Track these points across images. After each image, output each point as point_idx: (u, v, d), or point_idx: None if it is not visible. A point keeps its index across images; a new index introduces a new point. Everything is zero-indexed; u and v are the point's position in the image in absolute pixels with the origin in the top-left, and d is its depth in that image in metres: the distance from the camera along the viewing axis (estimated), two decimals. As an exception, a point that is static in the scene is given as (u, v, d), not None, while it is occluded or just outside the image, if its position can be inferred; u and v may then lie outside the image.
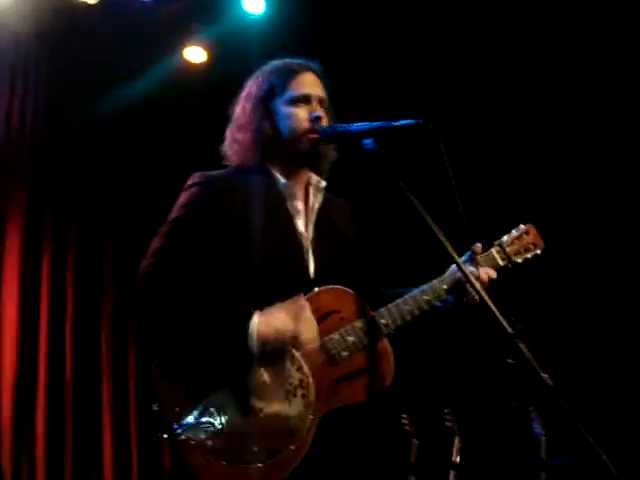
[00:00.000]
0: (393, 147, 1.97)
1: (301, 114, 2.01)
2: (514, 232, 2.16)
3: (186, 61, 4.99)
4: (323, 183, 2.09)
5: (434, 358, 4.56)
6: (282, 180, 2.02)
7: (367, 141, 1.91)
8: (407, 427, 3.99)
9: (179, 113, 5.09)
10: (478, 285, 1.72)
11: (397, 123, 1.90)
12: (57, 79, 4.87)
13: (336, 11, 4.63)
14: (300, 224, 2.01)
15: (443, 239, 1.73)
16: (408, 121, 1.90)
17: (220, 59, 4.94)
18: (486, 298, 1.66)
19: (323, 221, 2.06)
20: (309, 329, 1.82)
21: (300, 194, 2.06)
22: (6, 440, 4.13)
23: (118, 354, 4.72)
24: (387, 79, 4.74)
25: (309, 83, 2.06)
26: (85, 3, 4.46)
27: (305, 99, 2.04)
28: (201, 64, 5.00)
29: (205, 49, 4.92)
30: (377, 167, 1.87)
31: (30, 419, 4.28)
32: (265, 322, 1.76)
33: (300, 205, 2.04)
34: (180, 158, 5.11)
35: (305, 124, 2.01)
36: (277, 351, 1.78)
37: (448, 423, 3.86)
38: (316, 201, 2.07)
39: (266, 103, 2.04)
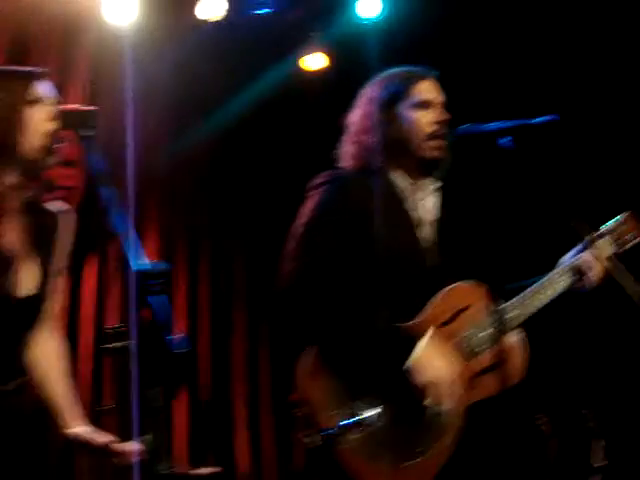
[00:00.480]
0: (529, 145, 1.97)
1: (425, 118, 2.07)
2: (616, 219, 2.14)
3: (306, 68, 5.07)
4: (439, 183, 2.12)
5: (570, 353, 4.43)
6: (401, 183, 2.07)
7: (504, 140, 1.94)
8: (544, 427, 3.90)
9: (300, 119, 5.21)
10: (620, 272, 1.72)
11: (534, 120, 1.93)
12: (182, 92, 5.10)
13: (452, 11, 4.59)
14: (423, 225, 2.05)
15: (582, 229, 1.74)
16: (544, 118, 1.92)
17: (339, 64, 5.01)
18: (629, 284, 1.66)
19: (444, 220, 2.09)
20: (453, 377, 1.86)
21: (418, 196, 2.08)
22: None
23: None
24: (506, 81, 4.64)
25: (430, 89, 2.13)
26: (207, 21, 4.64)
27: (428, 104, 2.08)
28: (321, 70, 5.07)
29: (324, 55, 4.99)
30: (514, 165, 1.89)
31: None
32: (427, 362, 1.80)
33: (421, 206, 2.07)
34: (301, 163, 5.24)
35: (429, 128, 2.05)
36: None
37: (588, 424, 3.75)
38: (433, 202, 2.10)
39: (390, 108, 2.09)
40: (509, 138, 1.92)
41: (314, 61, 5.06)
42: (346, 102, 2.26)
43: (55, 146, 1.67)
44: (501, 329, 1.90)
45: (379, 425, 1.78)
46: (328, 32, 4.96)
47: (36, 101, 1.69)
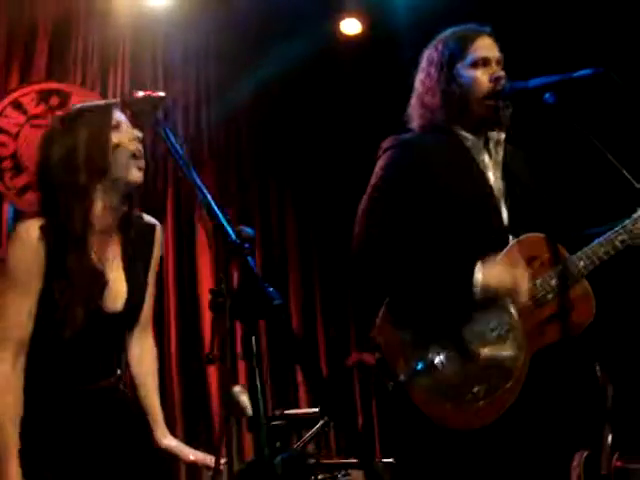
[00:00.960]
0: (574, 99, 2.01)
1: (482, 77, 2.11)
2: None
3: (342, 33, 5.11)
4: (502, 136, 2.19)
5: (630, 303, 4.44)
6: (468, 137, 2.13)
7: (547, 95, 1.98)
8: (601, 375, 3.95)
9: (337, 85, 5.26)
10: None
11: (577, 74, 1.95)
12: (223, 61, 5.21)
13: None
14: (490, 176, 2.12)
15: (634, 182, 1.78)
16: (588, 71, 1.94)
17: (374, 29, 5.03)
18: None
19: (508, 173, 2.16)
20: (524, 281, 1.95)
21: (484, 149, 2.15)
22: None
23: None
24: (549, 34, 4.58)
25: (486, 46, 2.17)
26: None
27: (485, 62, 2.14)
28: (356, 35, 5.10)
29: (360, 20, 5.02)
30: (558, 120, 1.93)
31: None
32: (488, 273, 1.91)
33: (487, 159, 2.14)
34: (341, 131, 5.33)
35: (486, 86, 2.10)
36: (496, 299, 1.93)
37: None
38: (498, 155, 2.16)
39: (448, 68, 2.15)
40: (551, 93, 1.96)
41: (349, 26, 5.09)
42: (385, 66, 2.32)
43: (140, 163, 1.90)
44: (568, 278, 2.01)
45: (449, 369, 1.91)
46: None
47: (117, 126, 1.88)
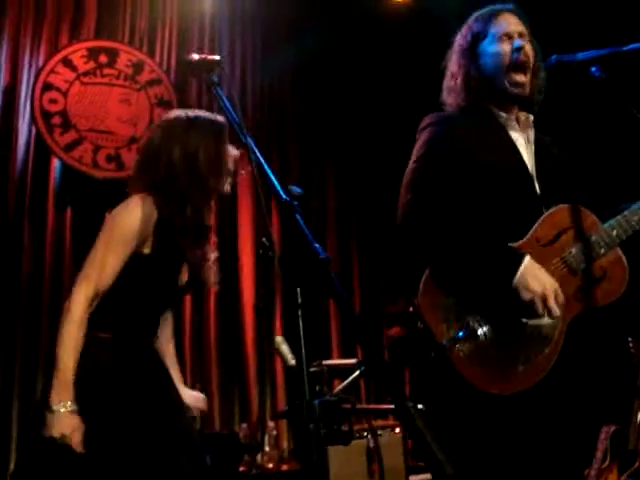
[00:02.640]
0: (621, 73, 2.01)
1: (505, 48, 2.13)
2: None
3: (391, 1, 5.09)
4: (531, 117, 2.20)
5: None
6: (501, 114, 2.16)
7: (594, 69, 1.98)
8: (634, 350, 3.97)
9: (383, 52, 5.25)
10: None
11: (626, 48, 1.95)
12: (270, 26, 5.24)
13: None
14: (523, 151, 2.15)
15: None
16: (637, 45, 1.93)
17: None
18: None
19: (539, 151, 2.19)
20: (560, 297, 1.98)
21: (517, 126, 2.18)
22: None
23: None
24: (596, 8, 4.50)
25: (508, 22, 2.19)
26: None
27: (507, 36, 2.15)
28: (404, 2, 5.07)
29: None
30: (605, 94, 1.94)
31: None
32: (532, 273, 1.94)
33: (518, 135, 2.17)
34: (384, 99, 5.33)
35: (508, 57, 2.12)
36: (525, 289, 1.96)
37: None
38: (530, 133, 2.19)
39: (472, 49, 2.19)
40: (598, 67, 1.96)
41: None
42: (433, 33, 2.34)
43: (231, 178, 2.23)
44: (606, 246, 2.05)
45: (488, 337, 1.96)
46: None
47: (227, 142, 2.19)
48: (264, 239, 1.18)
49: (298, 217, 1.15)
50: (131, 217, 2.04)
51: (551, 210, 2.07)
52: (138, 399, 2.04)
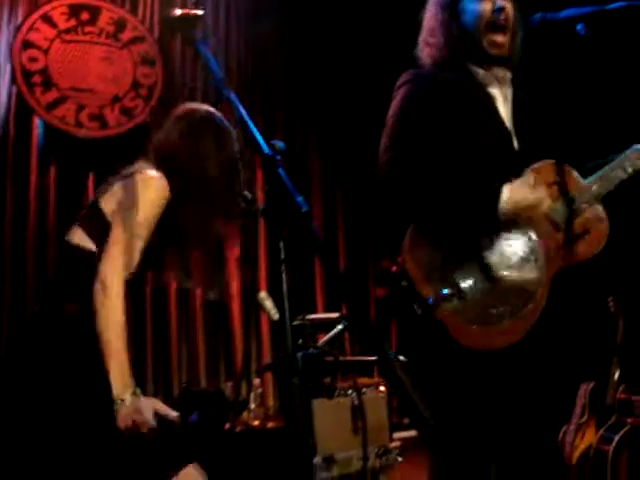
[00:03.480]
0: (605, 31, 2.01)
1: (486, 7, 2.12)
2: None
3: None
4: (509, 75, 2.21)
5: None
6: (478, 71, 2.16)
7: (579, 27, 1.99)
8: (613, 309, 4.04)
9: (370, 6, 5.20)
10: None
11: (610, 6, 1.95)
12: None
13: None
14: (501, 108, 2.17)
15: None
16: (622, 3, 1.93)
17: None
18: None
19: (516, 108, 2.21)
20: (548, 199, 2.07)
21: (494, 84, 2.19)
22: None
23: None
24: None
25: None
26: None
27: None
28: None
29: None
30: (590, 51, 1.95)
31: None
32: (513, 193, 2.00)
33: (496, 92, 2.18)
34: (369, 53, 5.30)
35: (488, 16, 2.11)
36: (521, 216, 2.03)
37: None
38: (507, 91, 2.20)
39: (452, 6, 2.17)
40: (583, 24, 1.96)
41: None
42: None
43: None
44: (588, 201, 2.08)
45: (475, 292, 1.99)
46: None
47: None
48: (246, 192, 1.18)
49: (280, 171, 1.16)
50: (151, 198, 1.98)
51: (534, 166, 2.10)
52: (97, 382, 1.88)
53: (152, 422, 1.79)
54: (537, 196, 2.03)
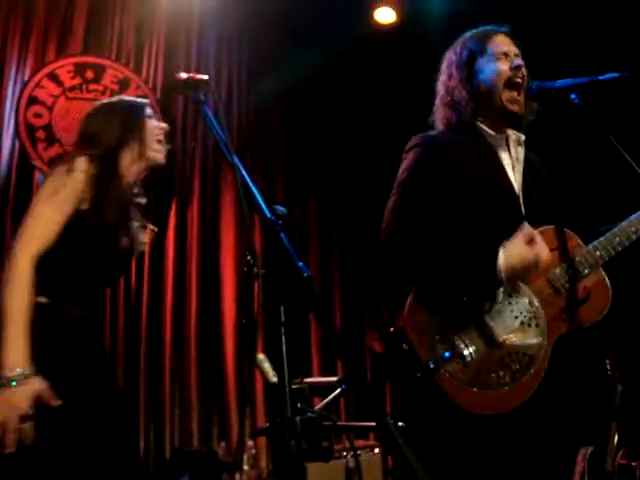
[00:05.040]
0: (599, 101, 2.06)
1: (503, 66, 2.17)
2: None
3: (376, 22, 5.15)
4: (523, 137, 2.24)
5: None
6: (490, 133, 2.19)
7: (573, 96, 2.03)
8: (611, 372, 4.01)
9: (371, 74, 5.31)
10: None
11: (603, 77, 2.00)
12: (257, 47, 5.29)
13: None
14: (510, 172, 2.19)
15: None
16: (614, 74, 1.99)
17: (409, 19, 5.07)
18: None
19: (528, 171, 2.23)
20: (545, 250, 2.03)
21: (505, 146, 2.22)
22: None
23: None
24: (577, 37, 4.59)
25: (505, 42, 2.23)
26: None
27: (505, 55, 2.19)
28: (390, 24, 5.14)
29: (394, 9, 5.06)
30: (584, 121, 1.99)
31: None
32: (509, 252, 1.98)
33: (506, 156, 2.20)
34: (372, 120, 5.39)
35: (507, 75, 2.16)
36: (521, 276, 2.01)
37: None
38: (519, 153, 2.22)
39: (468, 66, 2.21)
40: (577, 94, 2.01)
41: (384, 15, 5.13)
42: (420, 55, 2.37)
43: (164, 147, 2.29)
44: (590, 266, 2.08)
45: (475, 356, 1.98)
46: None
47: (150, 116, 2.29)
48: (248, 256, 1.19)
49: (282, 236, 1.18)
50: (62, 178, 2.07)
51: (537, 230, 2.10)
52: (64, 377, 1.92)
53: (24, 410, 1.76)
54: (534, 251, 2.00)
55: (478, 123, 2.21)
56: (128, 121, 2.26)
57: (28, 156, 4.44)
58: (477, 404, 1.97)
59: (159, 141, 2.30)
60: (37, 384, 1.81)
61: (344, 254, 5.57)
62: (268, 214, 1.22)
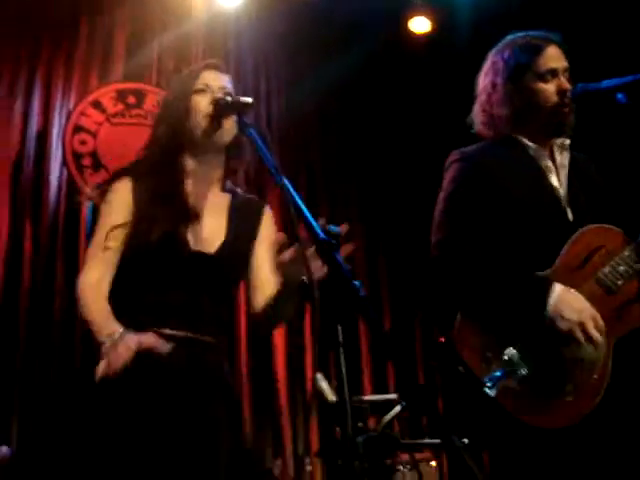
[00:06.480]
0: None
1: (551, 89, 2.14)
2: None
3: (411, 32, 5.15)
4: (567, 141, 2.21)
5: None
6: (531, 145, 2.17)
7: (620, 95, 2.01)
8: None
9: (405, 83, 5.30)
10: None
11: (650, 76, 1.97)
12: (292, 61, 5.32)
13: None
14: (554, 179, 2.16)
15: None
16: (662, 72, 1.95)
17: (443, 28, 5.05)
18: None
19: (574, 174, 2.20)
20: (596, 319, 1.97)
21: (547, 154, 2.20)
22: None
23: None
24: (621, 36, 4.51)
25: (555, 56, 2.19)
26: None
27: (553, 73, 2.16)
28: (425, 34, 5.13)
29: (429, 18, 5.05)
30: (632, 120, 1.96)
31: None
32: (566, 301, 1.94)
33: (550, 163, 2.17)
34: (407, 130, 5.37)
35: (554, 99, 2.13)
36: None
37: None
38: (564, 158, 2.19)
39: (517, 79, 2.18)
40: (624, 93, 1.98)
41: (418, 24, 5.12)
42: (453, 65, 2.35)
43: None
44: (636, 262, 2.02)
45: (533, 370, 1.94)
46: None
47: (202, 90, 1.94)
48: (304, 278, 1.19)
49: (336, 255, 1.18)
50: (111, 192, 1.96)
51: (579, 232, 2.07)
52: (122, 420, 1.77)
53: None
54: (588, 311, 1.95)
55: (518, 136, 2.19)
56: (170, 115, 2.02)
57: (76, 183, 4.54)
58: (546, 419, 1.91)
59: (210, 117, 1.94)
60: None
61: (391, 275, 5.51)
62: (321, 234, 1.22)
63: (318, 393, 1.20)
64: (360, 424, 1.22)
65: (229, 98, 1.70)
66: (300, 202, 1.31)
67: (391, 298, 5.50)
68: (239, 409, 2.01)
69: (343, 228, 1.31)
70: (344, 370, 1.11)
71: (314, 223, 1.26)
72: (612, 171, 2.39)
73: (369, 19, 4.98)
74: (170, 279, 1.87)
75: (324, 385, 1.16)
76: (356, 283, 1.14)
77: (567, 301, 1.95)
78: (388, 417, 1.93)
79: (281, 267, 1.61)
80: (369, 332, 4.26)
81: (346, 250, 1.39)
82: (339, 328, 1.12)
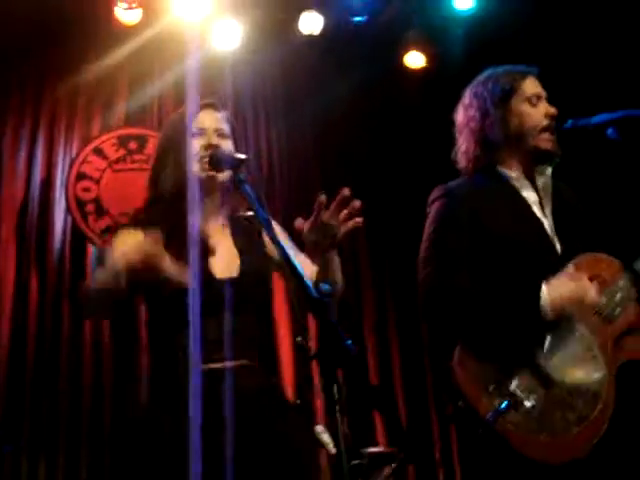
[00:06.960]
0: (636, 136, 2.05)
1: (538, 112, 2.17)
2: None
3: (406, 67, 5.20)
4: (549, 170, 2.22)
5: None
6: (512, 175, 2.19)
7: (610, 131, 2.03)
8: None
9: (400, 118, 5.34)
10: None
11: (638, 112, 2.00)
12: (290, 102, 5.38)
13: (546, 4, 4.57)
14: (537, 210, 2.17)
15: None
16: (649, 108, 1.98)
17: (438, 63, 5.11)
18: None
19: (558, 204, 2.21)
20: (590, 288, 1.99)
21: (530, 184, 2.20)
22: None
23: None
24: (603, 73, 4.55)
25: (537, 84, 2.24)
26: (308, 35, 4.90)
27: (538, 97, 2.20)
28: (421, 69, 5.18)
29: (424, 53, 5.10)
30: (621, 156, 1.98)
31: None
32: (552, 289, 1.96)
33: (533, 195, 2.18)
34: (403, 165, 5.39)
35: (543, 121, 2.17)
36: (568, 315, 1.98)
37: None
38: (547, 188, 2.21)
39: (504, 103, 2.20)
40: (614, 129, 2.01)
41: (413, 60, 5.17)
42: (451, 99, 2.36)
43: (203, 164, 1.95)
44: (638, 287, 2.04)
45: (535, 402, 1.91)
46: (424, 29, 5.06)
47: (199, 133, 1.98)
48: (300, 339, 1.21)
49: (327, 315, 1.19)
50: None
51: (574, 261, 2.06)
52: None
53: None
54: (579, 283, 1.98)
55: (499, 167, 2.20)
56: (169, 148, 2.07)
57: (80, 229, 4.59)
58: (552, 453, 1.88)
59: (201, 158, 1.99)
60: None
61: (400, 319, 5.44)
62: (313, 293, 1.23)
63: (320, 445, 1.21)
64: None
65: (225, 153, 1.73)
66: (293, 260, 1.33)
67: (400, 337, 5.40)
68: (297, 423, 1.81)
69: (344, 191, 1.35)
70: (340, 427, 1.12)
71: (307, 281, 1.28)
72: (596, 201, 2.40)
73: (364, 55, 5.04)
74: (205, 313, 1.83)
75: (325, 437, 1.18)
76: (349, 342, 1.15)
77: (556, 287, 1.95)
78: (387, 472, 1.92)
79: (309, 239, 1.69)
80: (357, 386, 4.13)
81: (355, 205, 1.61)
82: (335, 388, 1.13)
